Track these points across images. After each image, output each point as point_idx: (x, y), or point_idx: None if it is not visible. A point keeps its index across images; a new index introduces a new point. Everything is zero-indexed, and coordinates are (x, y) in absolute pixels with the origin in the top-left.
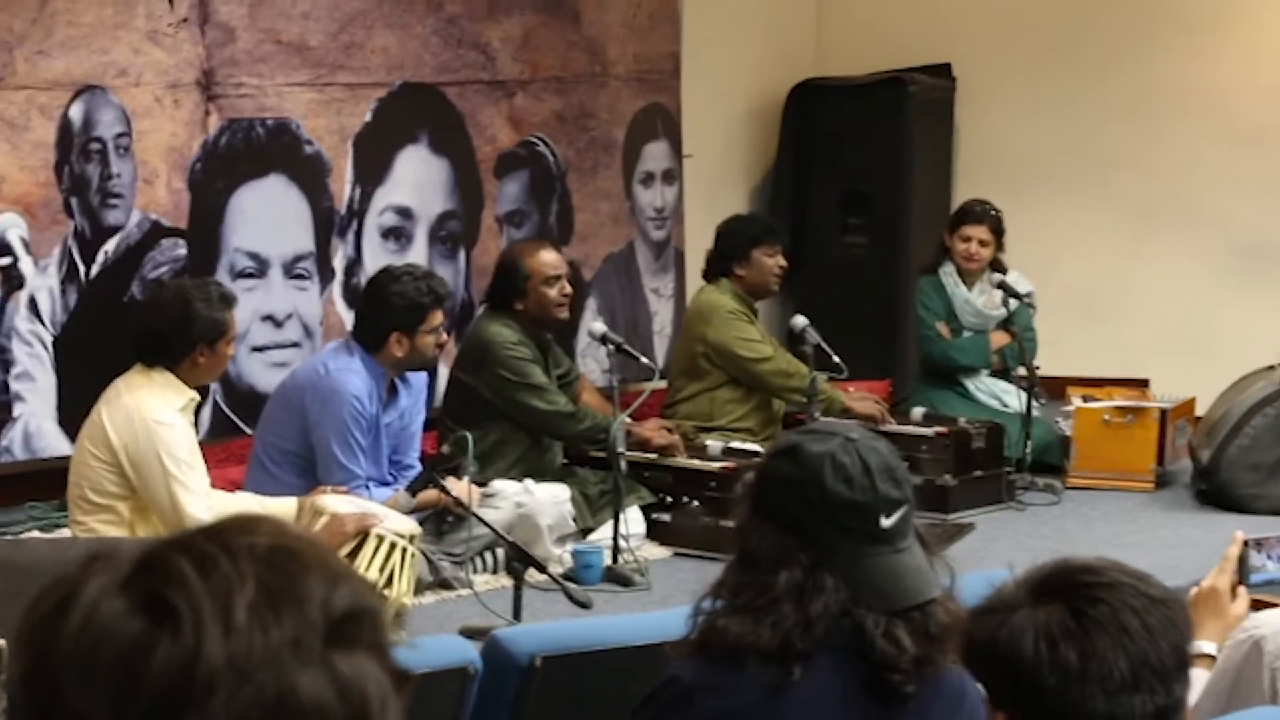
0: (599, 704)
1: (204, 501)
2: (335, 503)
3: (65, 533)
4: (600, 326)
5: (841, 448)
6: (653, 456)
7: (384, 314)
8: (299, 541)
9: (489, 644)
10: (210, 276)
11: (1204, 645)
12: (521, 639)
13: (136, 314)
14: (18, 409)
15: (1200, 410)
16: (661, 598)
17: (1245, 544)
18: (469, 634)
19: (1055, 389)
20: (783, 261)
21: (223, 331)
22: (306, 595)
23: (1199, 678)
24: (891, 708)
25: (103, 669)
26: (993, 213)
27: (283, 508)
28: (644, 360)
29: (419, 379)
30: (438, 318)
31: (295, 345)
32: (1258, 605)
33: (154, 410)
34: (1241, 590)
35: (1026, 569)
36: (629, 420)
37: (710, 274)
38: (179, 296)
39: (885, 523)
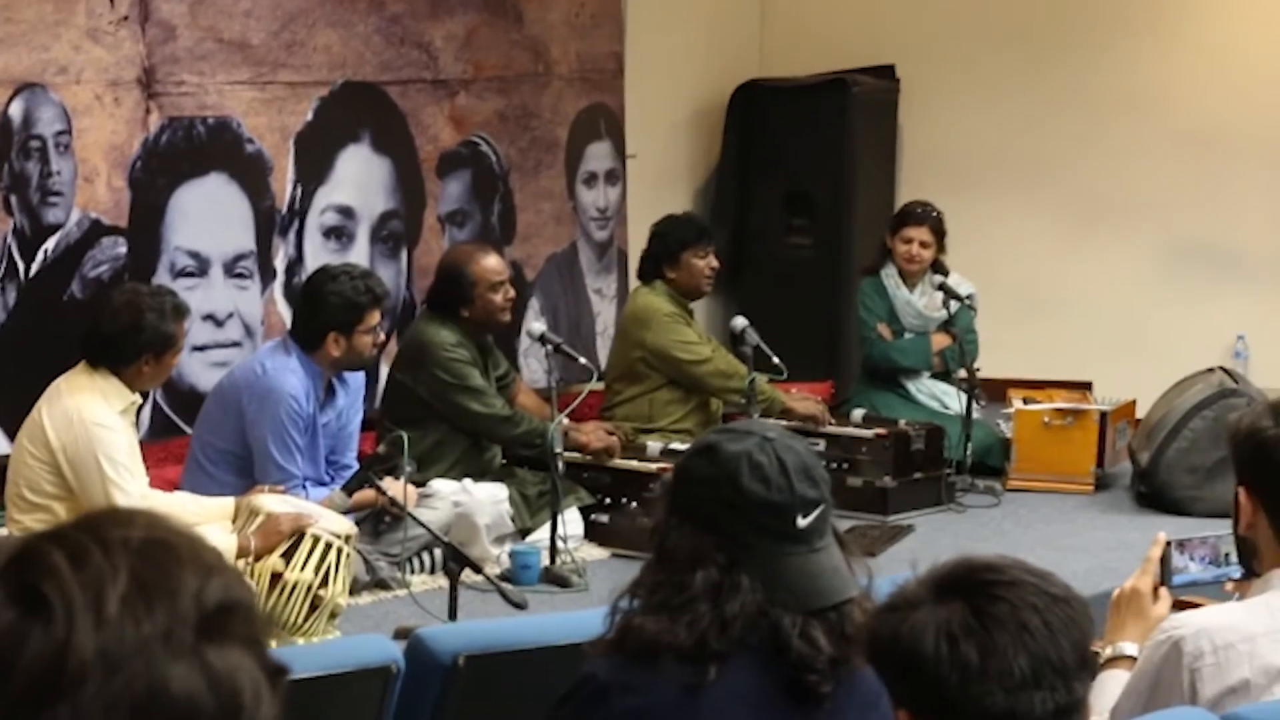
0: (523, 703)
1: (140, 504)
2: (271, 502)
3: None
4: (539, 326)
5: (758, 447)
6: (591, 457)
7: (321, 313)
8: (173, 535)
9: (412, 643)
10: (163, 285)
11: (1126, 646)
12: (444, 638)
13: (85, 313)
14: None
15: (1141, 412)
16: (599, 599)
17: (1168, 545)
18: (403, 634)
19: (997, 391)
20: (714, 263)
21: (170, 344)
22: (179, 588)
23: (1120, 678)
24: (808, 708)
25: None
26: (934, 214)
27: (220, 508)
28: (582, 361)
29: (356, 379)
30: (375, 317)
31: (236, 345)
32: (1181, 606)
33: (93, 412)
34: (1163, 591)
35: (929, 567)
36: (568, 423)
37: (644, 275)
38: (131, 304)
39: (802, 522)
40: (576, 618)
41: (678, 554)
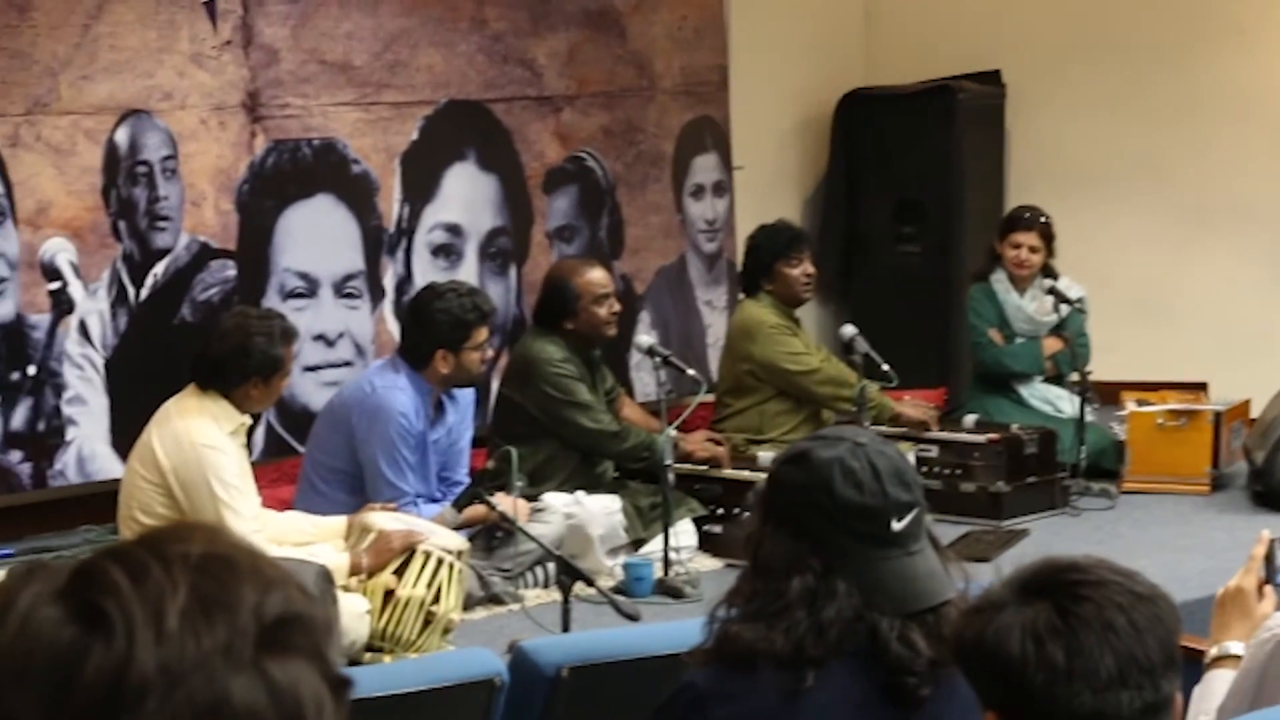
0: (627, 714)
1: (251, 525)
2: (383, 520)
3: None
4: (647, 339)
5: (850, 452)
6: (702, 468)
7: (429, 331)
8: (232, 549)
9: (516, 655)
10: (272, 308)
11: (1231, 646)
12: (548, 650)
13: (195, 336)
14: (70, 433)
15: (1255, 412)
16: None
17: (1272, 543)
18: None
19: (1110, 394)
20: (809, 269)
21: (278, 367)
22: (238, 601)
23: (1226, 678)
24: (906, 712)
25: (36, 675)
26: (1042, 219)
27: (333, 526)
28: (691, 373)
29: (466, 395)
30: (483, 334)
31: (348, 364)
32: None
33: (202, 434)
34: (1269, 590)
35: (1013, 569)
36: (676, 434)
37: (746, 288)
38: (240, 327)
39: (896, 526)
40: (678, 627)
41: (773, 561)
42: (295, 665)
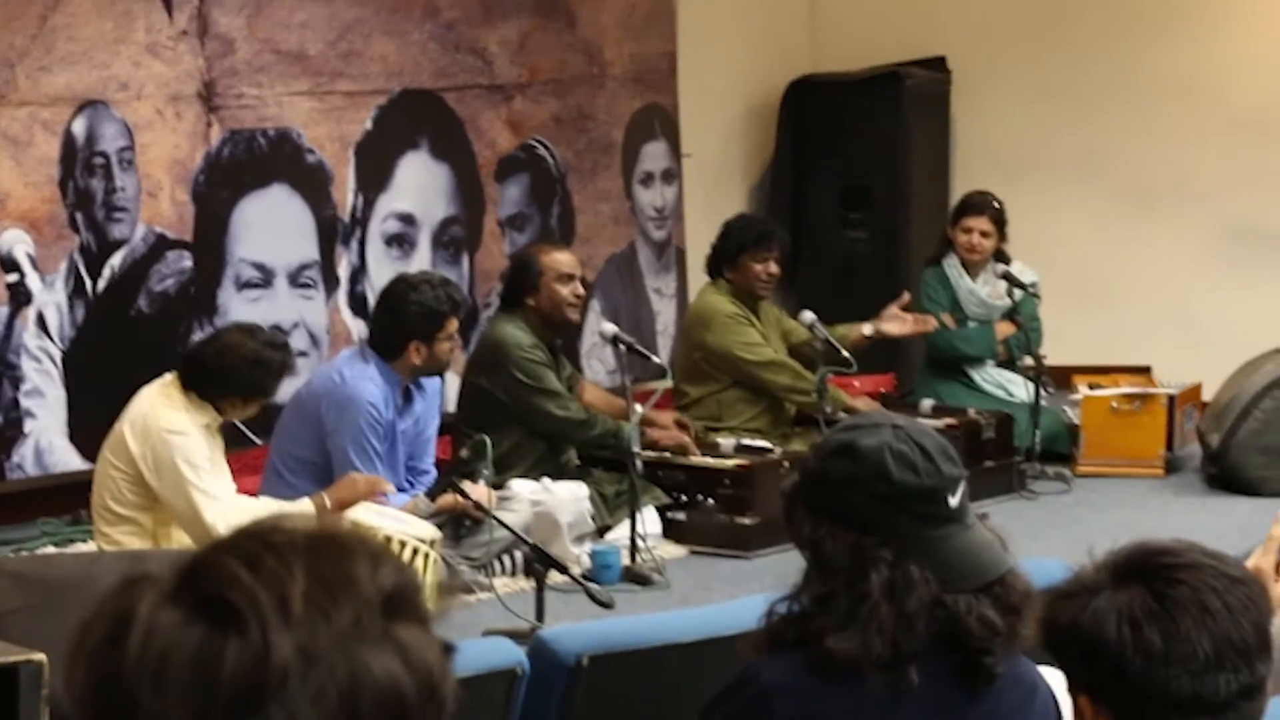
0: (647, 702)
1: (226, 505)
2: (358, 514)
3: (81, 547)
4: (611, 327)
5: (894, 436)
6: (667, 455)
7: (402, 322)
8: (333, 528)
9: (535, 645)
10: (281, 335)
11: None
12: (567, 639)
13: (153, 327)
14: (28, 425)
15: (1206, 395)
16: (681, 596)
17: None
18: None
19: (1060, 378)
20: (773, 269)
21: (261, 394)
22: (356, 577)
23: None
24: (976, 691)
25: (175, 679)
26: (994, 204)
27: (302, 511)
28: (657, 360)
29: (433, 384)
30: (454, 325)
31: (302, 354)
32: None
33: (168, 420)
34: None
35: (1105, 553)
36: (646, 412)
37: (710, 270)
38: (239, 346)
39: (953, 501)
40: (694, 615)
41: (840, 560)
42: (418, 632)
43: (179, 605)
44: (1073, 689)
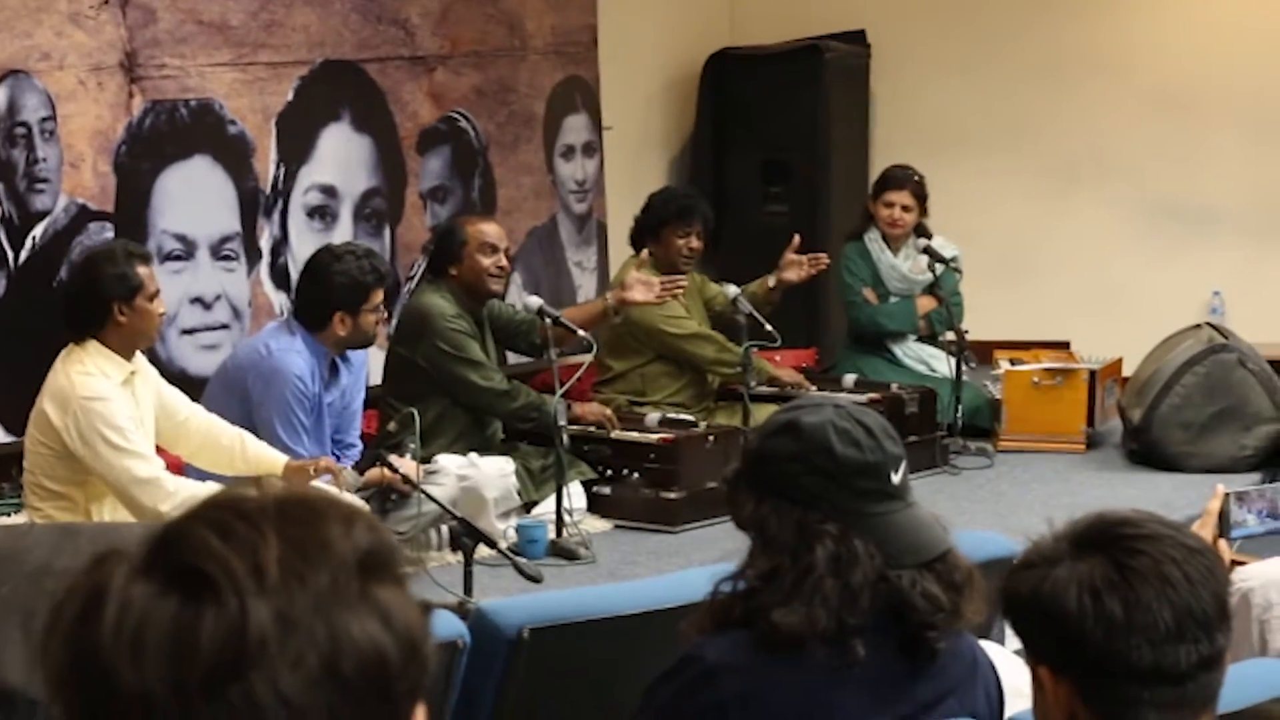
0: (587, 674)
1: (158, 463)
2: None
3: (20, 518)
4: (536, 300)
5: (837, 415)
6: (591, 429)
7: (327, 293)
8: (302, 490)
9: (475, 617)
10: (119, 238)
11: None
12: (508, 611)
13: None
14: None
15: (1127, 370)
16: (608, 570)
17: (1226, 497)
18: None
19: (981, 352)
20: (695, 244)
21: (136, 286)
22: (330, 539)
23: None
24: (919, 666)
25: (153, 652)
26: (915, 178)
27: (269, 461)
28: (581, 334)
29: (359, 357)
30: (379, 296)
31: (224, 327)
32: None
33: (84, 388)
34: (1223, 544)
35: (1063, 523)
36: (567, 402)
37: (633, 242)
38: (84, 261)
39: (895, 479)
40: (637, 588)
41: (784, 536)
42: (395, 592)
43: (152, 578)
44: (1032, 660)
